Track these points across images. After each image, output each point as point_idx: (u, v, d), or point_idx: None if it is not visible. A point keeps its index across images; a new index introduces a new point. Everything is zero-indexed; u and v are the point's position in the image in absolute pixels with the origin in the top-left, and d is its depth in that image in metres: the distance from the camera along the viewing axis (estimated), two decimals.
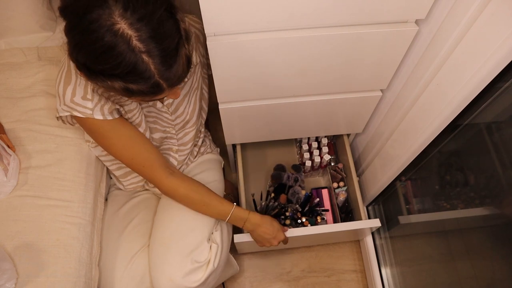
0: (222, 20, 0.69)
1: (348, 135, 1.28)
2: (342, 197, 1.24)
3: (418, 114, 0.87)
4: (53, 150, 0.94)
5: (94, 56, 0.59)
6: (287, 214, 1.18)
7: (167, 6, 0.60)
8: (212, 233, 0.96)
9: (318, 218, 1.20)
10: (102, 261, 0.94)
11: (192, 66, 0.85)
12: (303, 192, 1.23)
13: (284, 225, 1.16)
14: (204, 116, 1.06)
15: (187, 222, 0.93)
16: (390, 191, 1.19)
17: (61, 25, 1.11)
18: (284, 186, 1.23)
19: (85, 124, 0.79)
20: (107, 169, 1.05)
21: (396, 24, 0.75)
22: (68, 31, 0.60)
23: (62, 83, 0.75)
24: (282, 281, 1.33)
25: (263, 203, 1.22)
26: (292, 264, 1.36)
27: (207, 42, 0.73)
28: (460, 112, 0.74)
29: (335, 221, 1.24)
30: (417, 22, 0.76)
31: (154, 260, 0.90)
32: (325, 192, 1.31)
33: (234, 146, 1.31)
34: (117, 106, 0.79)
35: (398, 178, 1.06)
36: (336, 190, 1.25)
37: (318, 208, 1.23)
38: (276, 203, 1.19)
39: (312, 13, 0.70)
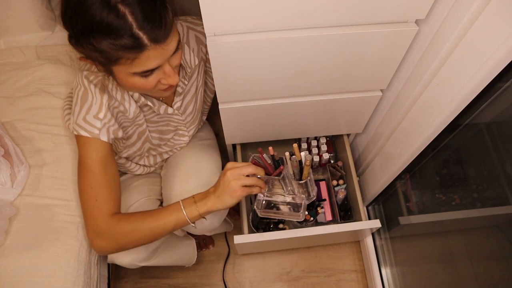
0: (222, 20, 0.69)
1: (348, 135, 1.28)
2: (341, 195, 1.23)
3: (418, 114, 0.87)
4: (51, 149, 0.94)
5: (73, 19, 0.62)
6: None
7: None
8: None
9: (319, 209, 1.20)
10: None
11: (194, 67, 0.90)
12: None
13: (280, 229, 1.16)
14: (209, 100, 1.11)
15: (199, 162, 1.03)
16: (390, 191, 1.19)
17: (61, 24, 1.12)
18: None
19: (84, 143, 0.78)
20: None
21: (396, 24, 0.75)
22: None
23: (79, 102, 0.77)
24: (282, 281, 1.33)
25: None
26: (292, 264, 1.35)
27: (207, 43, 0.73)
28: (460, 112, 0.74)
29: (333, 217, 1.24)
30: (417, 22, 0.76)
31: (175, 192, 0.97)
32: (323, 185, 1.31)
33: (234, 146, 1.30)
34: (123, 126, 0.82)
35: (398, 178, 1.06)
36: (336, 188, 1.24)
37: (316, 201, 1.22)
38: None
39: (312, 13, 0.70)
